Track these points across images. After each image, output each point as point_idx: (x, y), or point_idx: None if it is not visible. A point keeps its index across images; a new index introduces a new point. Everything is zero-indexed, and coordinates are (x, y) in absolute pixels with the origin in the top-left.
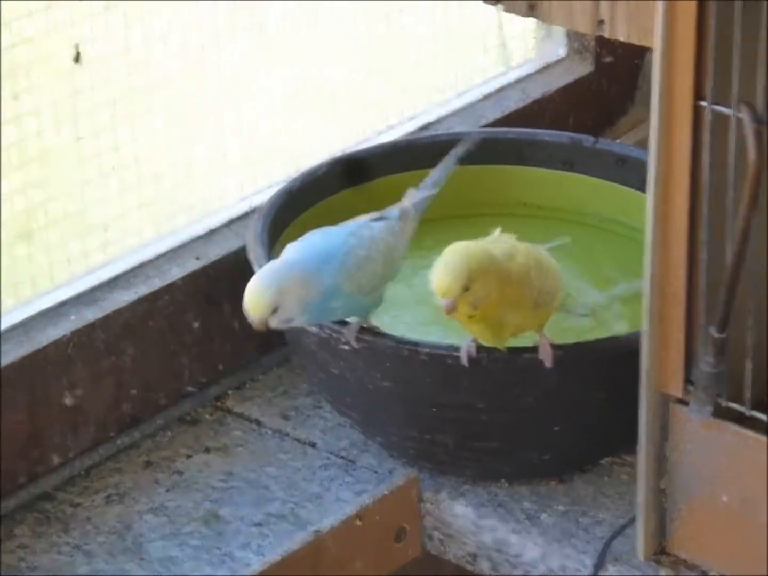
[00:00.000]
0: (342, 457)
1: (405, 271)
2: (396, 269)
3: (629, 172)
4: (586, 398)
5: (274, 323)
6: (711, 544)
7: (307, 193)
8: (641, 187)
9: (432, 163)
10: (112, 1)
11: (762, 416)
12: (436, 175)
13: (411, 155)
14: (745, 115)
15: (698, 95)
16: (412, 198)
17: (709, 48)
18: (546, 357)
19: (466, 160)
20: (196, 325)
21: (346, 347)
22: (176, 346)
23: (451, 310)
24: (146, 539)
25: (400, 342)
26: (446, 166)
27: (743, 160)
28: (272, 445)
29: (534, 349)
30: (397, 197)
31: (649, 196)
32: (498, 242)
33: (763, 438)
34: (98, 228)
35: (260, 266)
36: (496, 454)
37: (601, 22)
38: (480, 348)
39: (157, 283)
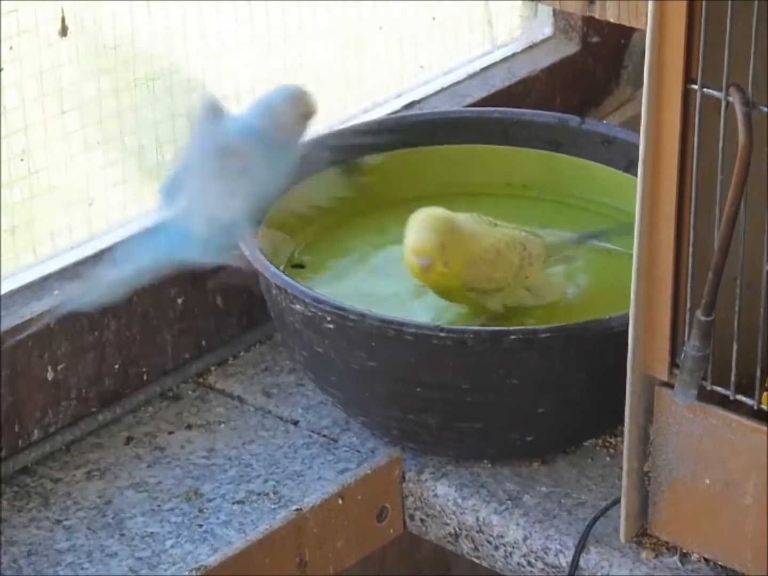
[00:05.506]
0: (324, 436)
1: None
2: None
3: (615, 153)
4: (571, 380)
5: None
6: (692, 527)
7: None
8: (627, 168)
9: (416, 141)
10: None
11: (747, 400)
12: None
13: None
14: (735, 99)
15: (689, 78)
16: None
17: (700, 31)
18: None
19: (450, 139)
20: (179, 300)
21: (330, 326)
22: (159, 322)
23: (428, 267)
24: (127, 515)
25: (386, 321)
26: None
27: (732, 144)
28: (254, 422)
29: (520, 331)
30: (381, 176)
31: (639, 179)
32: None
33: (747, 422)
34: (82, 202)
35: (245, 242)
36: (480, 434)
37: (591, 2)
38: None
39: None
